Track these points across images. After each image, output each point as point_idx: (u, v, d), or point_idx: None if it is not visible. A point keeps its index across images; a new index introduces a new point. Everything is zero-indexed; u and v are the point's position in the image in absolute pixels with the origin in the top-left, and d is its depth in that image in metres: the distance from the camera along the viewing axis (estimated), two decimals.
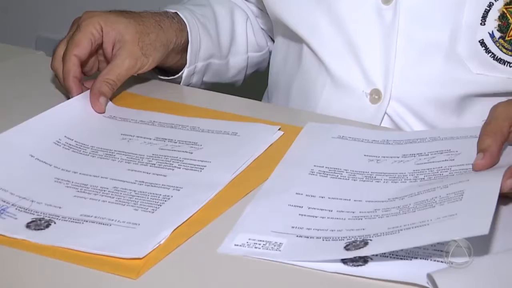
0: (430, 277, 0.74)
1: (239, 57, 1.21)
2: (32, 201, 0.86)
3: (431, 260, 0.78)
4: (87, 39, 1.03)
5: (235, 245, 0.81)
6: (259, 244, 0.81)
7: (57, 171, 0.91)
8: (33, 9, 2.29)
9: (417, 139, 0.96)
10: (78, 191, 0.88)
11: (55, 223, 0.83)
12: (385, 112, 1.05)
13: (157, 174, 0.91)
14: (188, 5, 1.17)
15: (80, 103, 1.03)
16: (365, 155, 0.95)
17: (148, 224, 0.83)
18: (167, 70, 1.14)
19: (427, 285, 0.75)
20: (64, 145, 0.96)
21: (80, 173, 0.91)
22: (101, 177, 0.91)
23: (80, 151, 0.96)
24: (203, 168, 0.92)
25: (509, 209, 0.86)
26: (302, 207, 0.86)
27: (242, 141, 0.97)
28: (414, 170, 0.90)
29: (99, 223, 0.83)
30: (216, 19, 1.18)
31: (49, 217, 0.84)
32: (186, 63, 1.12)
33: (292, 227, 0.83)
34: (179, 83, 1.14)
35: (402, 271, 0.76)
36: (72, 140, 0.98)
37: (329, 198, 0.87)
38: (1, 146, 0.93)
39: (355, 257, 0.78)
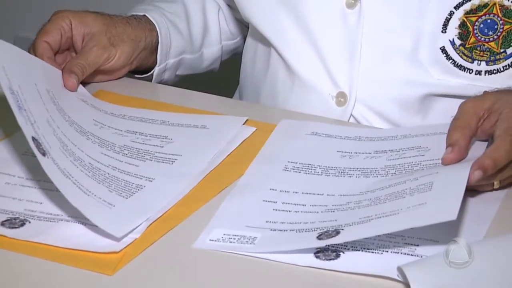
0: (400, 269, 0.74)
1: (214, 48, 1.22)
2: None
3: (401, 253, 0.78)
4: (56, 29, 1.05)
5: (210, 240, 0.81)
6: (234, 239, 0.80)
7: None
8: (11, 9, 2.28)
9: (389, 137, 0.97)
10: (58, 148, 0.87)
11: (30, 222, 0.83)
12: (351, 114, 1.05)
13: (129, 164, 0.91)
14: (158, 3, 1.17)
15: (59, 74, 1.02)
16: (338, 151, 0.95)
17: (122, 208, 0.83)
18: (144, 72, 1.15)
19: (397, 278, 0.75)
20: (46, 96, 0.94)
21: (61, 132, 0.90)
22: (78, 148, 0.90)
23: (60, 112, 0.94)
24: (174, 161, 0.92)
25: (477, 201, 0.86)
26: (276, 202, 0.86)
27: (211, 134, 0.98)
28: (385, 166, 0.91)
29: (78, 187, 0.83)
30: (187, 14, 1.18)
31: (24, 216, 0.83)
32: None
33: (267, 222, 0.83)
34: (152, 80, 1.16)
35: (373, 265, 0.77)
36: (54, 96, 0.96)
37: (302, 193, 0.88)
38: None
39: (327, 252, 0.78)
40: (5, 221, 0.82)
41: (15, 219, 0.83)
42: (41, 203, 0.85)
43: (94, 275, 0.77)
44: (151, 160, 0.92)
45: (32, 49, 1.04)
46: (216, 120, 1.00)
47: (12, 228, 0.81)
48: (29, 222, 0.82)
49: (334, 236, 0.77)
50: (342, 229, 0.78)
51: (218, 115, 1.02)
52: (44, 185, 0.88)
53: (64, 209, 0.84)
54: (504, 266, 0.74)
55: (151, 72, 1.14)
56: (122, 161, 0.91)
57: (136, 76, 1.15)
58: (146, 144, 0.95)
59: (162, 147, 0.95)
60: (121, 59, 1.08)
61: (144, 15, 1.12)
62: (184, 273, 0.78)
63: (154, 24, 1.12)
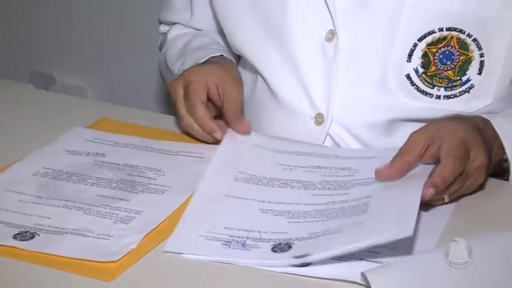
0: (363, 275, 0.76)
1: None
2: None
3: (365, 260, 0.80)
4: (199, 102, 1.04)
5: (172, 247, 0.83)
6: (199, 245, 0.83)
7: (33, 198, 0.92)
8: (27, 45, 2.30)
9: (321, 154, 1.00)
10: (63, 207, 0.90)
11: (39, 235, 0.85)
12: (327, 133, 1.08)
13: (121, 199, 0.92)
14: (208, 45, 1.18)
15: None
16: (279, 164, 0.98)
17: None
18: None
19: (361, 282, 0.77)
20: (43, 174, 0.97)
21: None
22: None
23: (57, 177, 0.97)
24: (164, 192, 0.94)
25: (430, 214, 0.89)
26: (231, 209, 0.89)
27: (207, 163, 0.98)
28: (322, 180, 0.94)
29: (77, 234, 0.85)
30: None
31: (34, 230, 0.86)
32: None
33: (225, 228, 0.85)
34: None
35: (340, 271, 0.79)
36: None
37: (251, 199, 0.90)
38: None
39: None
40: (17, 234, 0.84)
41: (25, 232, 0.85)
42: (49, 218, 0.87)
43: (95, 282, 0.78)
44: (144, 192, 0.93)
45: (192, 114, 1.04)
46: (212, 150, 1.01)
47: (23, 240, 0.83)
48: (38, 235, 0.84)
49: (287, 250, 0.80)
50: (293, 244, 0.81)
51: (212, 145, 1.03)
52: (51, 202, 0.91)
53: (69, 224, 0.86)
54: (462, 272, 0.75)
55: None
56: (114, 198, 0.92)
57: None
58: (140, 176, 0.97)
59: (155, 179, 0.96)
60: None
61: (221, 54, 1.14)
62: (174, 278, 0.80)
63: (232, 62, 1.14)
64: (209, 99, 1.06)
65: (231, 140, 1.02)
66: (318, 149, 1.02)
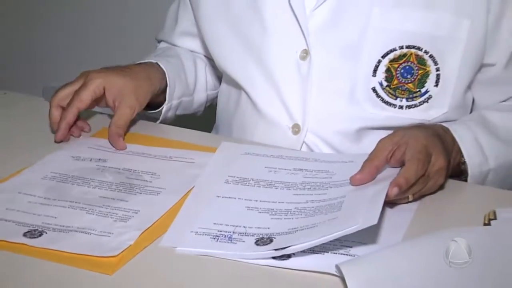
0: (337, 267, 0.77)
1: (201, 94, 1.25)
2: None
3: (338, 254, 0.81)
4: (89, 96, 1.05)
5: (170, 241, 0.83)
6: (189, 240, 0.83)
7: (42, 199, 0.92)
8: (40, 61, 2.29)
9: (303, 158, 1.01)
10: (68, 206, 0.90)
11: (46, 233, 0.85)
12: (303, 141, 1.09)
13: (120, 200, 0.92)
14: (163, 56, 1.20)
15: (65, 151, 1.04)
16: (265, 167, 0.99)
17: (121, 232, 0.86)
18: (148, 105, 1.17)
19: (336, 273, 0.77)
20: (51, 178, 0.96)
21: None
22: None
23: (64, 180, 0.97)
24: (159, 193, 0.94)
25: (395, 211, 0.89)
26: (220, 208, 0.89)
27: (197, 167, 0.99)
28: (303, 182, 0.95)
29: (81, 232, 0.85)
30: (183, 66, 1.22)
31: (42, 228, 0.85)
32: (164, 101, 1.16)
33: (214, 224, 0.86)
34: (158, 117, 1.18)
35: (317, 263, 0.79)
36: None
37: (239, 199, 0.91)
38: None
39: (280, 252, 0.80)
40: (27, 232, 0.84)
41: (34, 230, 0.85)
42: (55, 218, 0.87)
43: (97, 275, 0.78)
44: (141, 193, 0.93)
45: (66, 108, 1.05)
46: (202, 156, 1.01)
47: (32, 238, 0.84)
48: (46, 233, 0.85)
49: (269, 243, 0.81)
50: (274, 238, 0.82)
51: (203, 152, 1.03)
52: (58, 203, 0.91)
53: (74, 222, 0.87)
54: (424, 263, 0.74)
55: (160, 109, 1.16)
56: (114, 199, 0.92)
57: (149, 112, 1.17)
58: (138, 179, 0.97)
59: (151, 181, 0.96)
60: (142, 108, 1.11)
61: (157, 62, 1.16)
62: (168, 270, 0.80)
63: (164, 72, 1.15)
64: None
65: (223, 150, 1.03)
66: (301, 154, 1.04)
